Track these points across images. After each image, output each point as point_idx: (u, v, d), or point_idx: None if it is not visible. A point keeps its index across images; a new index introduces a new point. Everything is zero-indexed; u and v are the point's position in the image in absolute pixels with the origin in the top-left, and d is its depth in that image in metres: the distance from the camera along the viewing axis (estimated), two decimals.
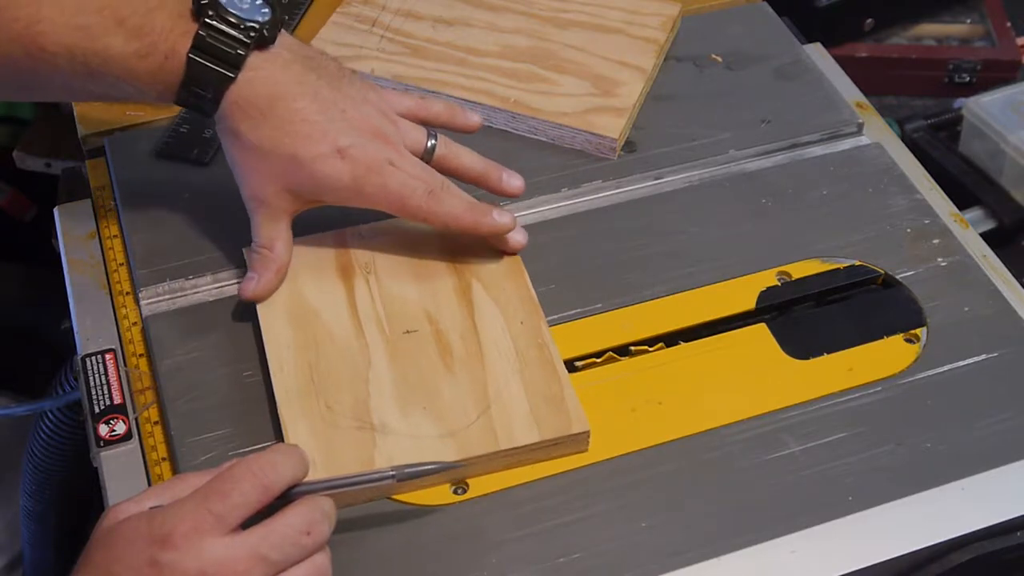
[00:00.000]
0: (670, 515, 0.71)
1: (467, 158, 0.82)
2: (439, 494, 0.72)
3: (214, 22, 0.73)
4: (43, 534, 1.15)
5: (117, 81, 0.73)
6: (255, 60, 0.74)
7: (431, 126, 0.81)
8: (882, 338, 0.81)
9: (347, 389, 0.75)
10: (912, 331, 0.81)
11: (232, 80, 0.74)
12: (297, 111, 0.75)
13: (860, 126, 0.96)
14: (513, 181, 0.82)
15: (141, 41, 0.72)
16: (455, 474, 0.72)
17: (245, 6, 0.75)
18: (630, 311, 0.82)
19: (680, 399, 0.77)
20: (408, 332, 0.78)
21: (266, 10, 0.75)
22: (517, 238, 0.82)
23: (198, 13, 0.73)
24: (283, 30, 0.77)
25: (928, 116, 1.28)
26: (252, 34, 0.74)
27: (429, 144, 0.80)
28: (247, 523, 0.61)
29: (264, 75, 0.75)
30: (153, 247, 0.85)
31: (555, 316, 0.81)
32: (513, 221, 0.80)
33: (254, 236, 0.79)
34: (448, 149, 0.81)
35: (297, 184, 0.76)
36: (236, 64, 0.74)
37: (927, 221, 0.88)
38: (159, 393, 0.77)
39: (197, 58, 0.73)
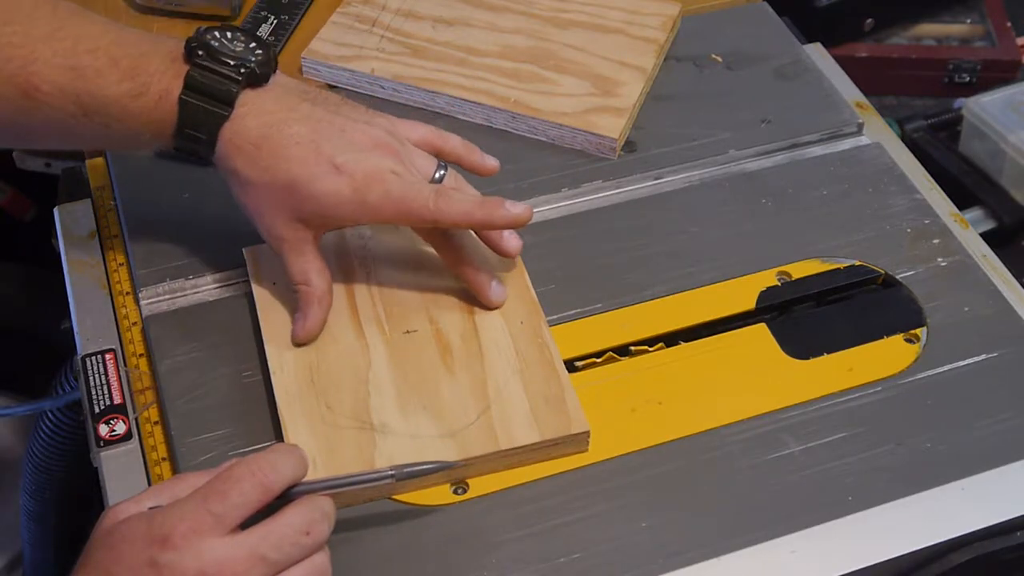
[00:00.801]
0: (670, 515, 0.71)
1: (475, 195, 0.79)
2: (439, 494, 0.72)
3: (205, 62, 0.73)
4: (43, 534, 1.15)
5: (111, 122, 0.73)
6: (247, 97, 0.74)
7: (443, 160, 0.79)
8: (882, 338, 0.81)
9: (347, 389, 0.75)
10: (912, 331, 0.81)
11: (226, 118, 0.73)
12: (290, 136, 0.73)
13: (860, 126, 0.96)
14: (512, 242, 0.79)
15: (134, 82, 0.72)
16: (455, 474, 0.72)
17: (238, 48, 0.74)
18: (630, 311, 0.82)
19: (680, 399, 0.77)
20: (408, 332, 0.78)
21: (260, 51, 0.75)
22: (513, 242, 0.79)
23: (189, 56, 0.73)
24: (279, 72, 0.76)
25: (928, 116, 1.28)
26: (243, 70, 0.73)
27: (438, 175, 0.77)
28: (247, 523, 0.61)
29: (256, 108, 0.74)
30: (153, 247, 0.85)
31: (555, 316, 0.81)
32: (528, 211, 0.76)
33: (287, 274, 0.77)
34: (457, 183, 0.79)
35: (302, 209, 0.74)
36: (228, 101, 0.73)
37: (927, 221, 0.88)
38: (159, 393, 0.77)
39: (189, 98, 0.72)
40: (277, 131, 0.73)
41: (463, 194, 0.76)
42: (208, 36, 0.74)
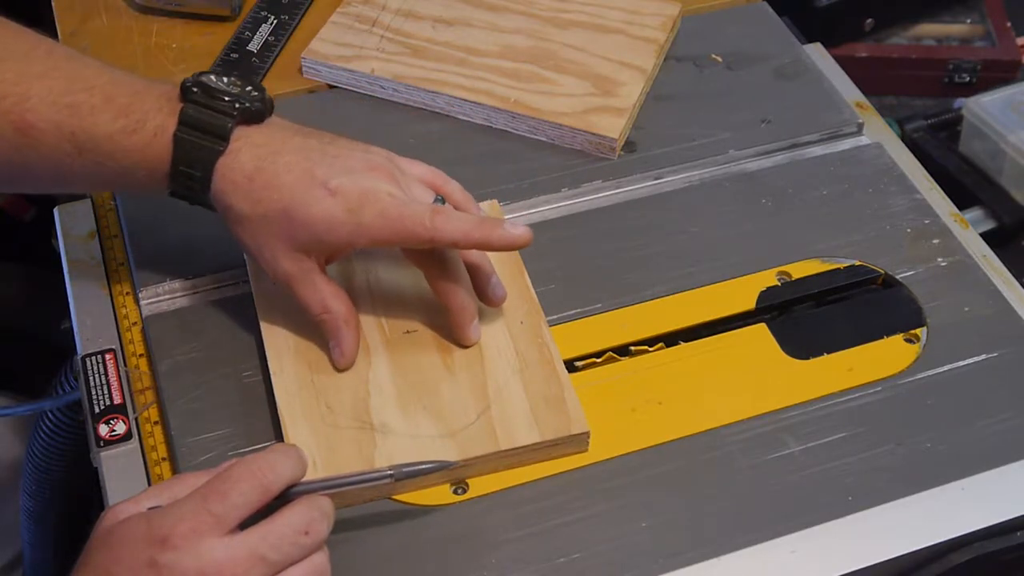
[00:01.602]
0: (670, 515, 0.71)
1: (473, 216, 0.78)
2: (439, 494, 0.72)
3: (200, 99, 0.73)
4: (43, 534, 1.15)
5: (105, 159, 0.73)
6: (241, 132, 0.73)
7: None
8: (882, 338, 0.81)
9: (347, 389, 0.75)
10: (912, 331, 0.81)
11: (220, 153, 0.72)
12: (283, 164, 0.72)
13: (860, 126, 0.96)
14: (498, 292, 0.79)
15: (129, 119, 0.72)
16: (455, 474, 0.72)
17: (234, 89, 0.74)
18: (630, 311, 0.82)
19: (680, 399, 0.77)
20: (408, 332, 0.78)
21: (256, 94, 0.75)
22: (499, 292, 0.78)
23: (185, 94, 0.73)
24: (275, 114, 0.76)
25: (928, 116, 1.28)
26: (237, 106, 0.73)
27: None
28: (246, 523, 0.61)
29: (250, 142, 0.73)
30: (153, 247, 0.85)
31: (555, 316, 0.81)
32: (528, 234, 0.75)
33: (306, 308, 0.75)
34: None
35: (298, 238, 0.73)
36: (223, 136, 0.72)
37: (927, 221, 0.88)
38: (159, 393, 0.77)
39: (184, 135, 0.72)
40: (270, 162, 0.72)
41: (460, 213, 0.75)
42: (204, 77, 0.74)
